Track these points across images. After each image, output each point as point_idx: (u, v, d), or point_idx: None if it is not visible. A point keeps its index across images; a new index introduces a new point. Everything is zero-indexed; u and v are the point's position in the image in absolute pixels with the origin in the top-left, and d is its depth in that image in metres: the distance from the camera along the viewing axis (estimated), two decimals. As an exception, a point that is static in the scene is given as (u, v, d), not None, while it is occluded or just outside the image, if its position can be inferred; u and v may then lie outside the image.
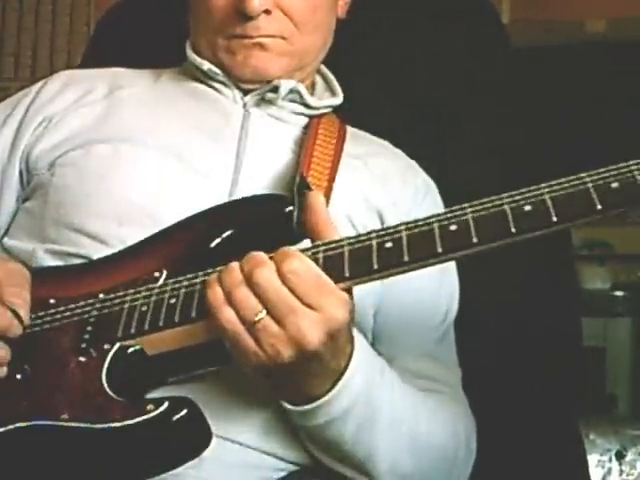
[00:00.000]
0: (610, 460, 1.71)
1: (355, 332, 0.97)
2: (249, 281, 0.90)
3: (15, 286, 1.02)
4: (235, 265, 0.92)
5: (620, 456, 1.72)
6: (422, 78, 1.50)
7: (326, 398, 0.96)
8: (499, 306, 1.41)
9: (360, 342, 0.98)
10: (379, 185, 1.20)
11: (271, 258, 0.92)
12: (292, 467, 1.07)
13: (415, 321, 1.16)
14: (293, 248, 0.94)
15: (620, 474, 1.72)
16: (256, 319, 0.89)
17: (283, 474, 1.07)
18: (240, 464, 1.04)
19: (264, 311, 0.89)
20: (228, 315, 0.90)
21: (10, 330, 0.99)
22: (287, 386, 0.96)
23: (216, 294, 0.92)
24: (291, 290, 0.90)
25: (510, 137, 1.51)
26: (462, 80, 1.52)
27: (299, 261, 0.91)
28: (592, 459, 1.68)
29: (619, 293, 2.65)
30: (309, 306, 0.90)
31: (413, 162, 1.28)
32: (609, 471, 1.71)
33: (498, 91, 1.54)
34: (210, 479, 1.01)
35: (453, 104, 1.49)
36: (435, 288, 1.18)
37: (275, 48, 1.19)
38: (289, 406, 0.98)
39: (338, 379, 0.95)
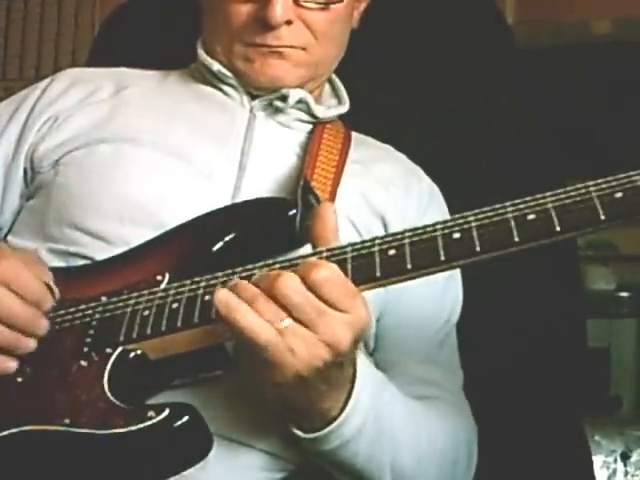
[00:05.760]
0: (615, 461, 1.71)
1: None
2: (269, 293, 0.87)
3: (40, 266, 1.03)
4: (245, 283, 0.89)
5: (625, 457, 1.71)
6: (425, 80, 1.50)
7: (339, 421, 0.94)
8: (503, 308, 1.41)
9: (360, 356, 0.96)
10: (382, 190, 1.20)
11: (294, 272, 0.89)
12: (295, 467, 1.07)
13: (418, 326, 1.15)
14: (308, 255, 0.93)
15: (625, 475, 1.71)
16: (282, 325, 0.86)
17: (286, 474, 1.07)
18: (244, 465, 1.04)
19: (288, 318, 0.87)
20: (261, 325, 0.87)
21: (44, 302, 0.99)
22: (301, 406, 0.93)
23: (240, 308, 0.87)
24: (321, 296, 0.87)
25: (515, 137, 1.51)
26: (466, 82, 1.52)
27: (328, 269, 0.88)
28: (597, 460, 1.67)
29: (624, 294, 2.64)
30: (339, 310, 0.88)
31: (417, 166, 1.28)
32: (614, 472, 1.71)
33: (503, 92, 1.54)
34: (214, 480, 1.00)
35: (457, 105, 1.49)
36: (440, 293, 1.17)
37: (293, 58, 1.18)
38: (302, 434, 0.95)
39: (347, 400, 0.94)
